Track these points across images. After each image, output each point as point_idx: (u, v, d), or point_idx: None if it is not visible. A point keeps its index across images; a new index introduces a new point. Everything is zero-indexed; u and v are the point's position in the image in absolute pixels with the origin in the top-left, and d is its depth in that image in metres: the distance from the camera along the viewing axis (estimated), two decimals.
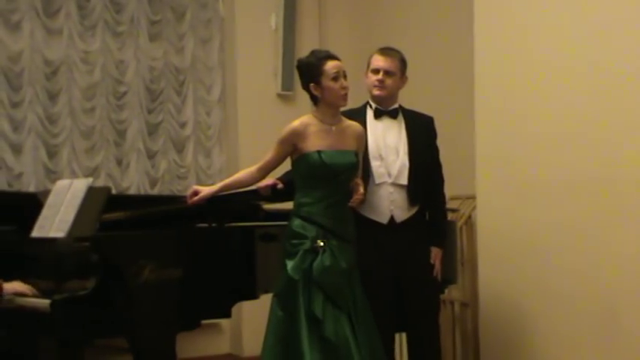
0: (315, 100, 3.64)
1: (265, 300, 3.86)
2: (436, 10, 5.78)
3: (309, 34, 6.46)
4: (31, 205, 4.04)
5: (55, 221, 3.84)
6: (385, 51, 4.03)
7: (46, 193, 4.12)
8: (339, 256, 3.54)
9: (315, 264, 3.50)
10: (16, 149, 5.64)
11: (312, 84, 3.60)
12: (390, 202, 3.93)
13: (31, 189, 5.53)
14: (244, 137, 6.24)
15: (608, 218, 4.15)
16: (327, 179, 3.58)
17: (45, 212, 3.93)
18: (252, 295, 4.08)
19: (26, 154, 5.66)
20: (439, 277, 4.08)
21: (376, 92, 3.99)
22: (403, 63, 4.03)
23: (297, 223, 3.59)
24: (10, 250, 3.98)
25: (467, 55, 4.92)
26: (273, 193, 3.78)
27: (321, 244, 3.52)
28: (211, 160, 6.31)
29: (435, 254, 4.06)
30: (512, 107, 4.65)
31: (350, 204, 3.62)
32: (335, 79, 3.57)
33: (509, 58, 4.65)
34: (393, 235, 3.92)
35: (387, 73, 3.97)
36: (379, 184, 3.93)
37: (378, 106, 4.02)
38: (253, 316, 5.45)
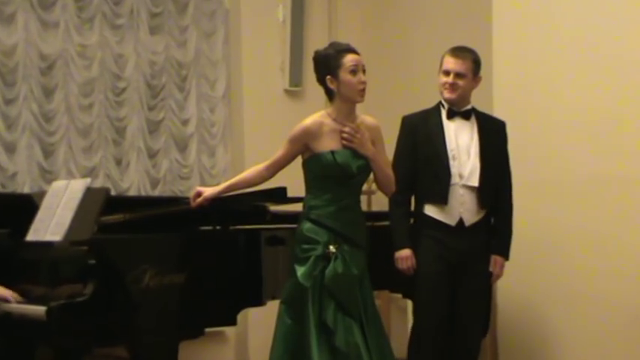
0: (330, 94, 3.60)
1: (272, 307, 3.84)
2: (451, 1, 5.76)
3: (319, 27, 6.44)
4: (26, 207, 4.02)
5: (51, 224, 3.83)
6: (456, 52, 4.04)
7: (42, 194, 4.12)
8: (350, 262, 3.51)
9: (328, 271, 3.48)
10: (10, 148, 5.55)
11: (328, 76, 3.55)
12: (459, 204, 3.96)
13: (26, 190, 5.45)
14: (250, 135, 6.21)
15: (629, 218, 4.21)
16: (340, 181, 3.55)
17: (40, 214, 3.93)
18: (259, 302, 4.06)
19: (20, 154, 5.57)
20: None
21: (446, 95, 4.01)
22: (476, 64, 4.05)
23: (307, 226, 3.55)
24: (4, 255, 3.94)
25: (484, 49, 4.80)
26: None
27: (333, 250, 3.50)
28: (215, 160, 6.26)
29: (495, 262, 4.08)
30: (530, 104, 4.70)
31: (343, 140, 3.53)
32: (353, 72, 3.54)
33: (528, 53, 4.71)
34: (459, 238, 3.96)
35: (457, 75, 3.99)
36: (450, 185, 3.96)
37: (451, 107, 4.04)
38: (260, 324, 5.55)
